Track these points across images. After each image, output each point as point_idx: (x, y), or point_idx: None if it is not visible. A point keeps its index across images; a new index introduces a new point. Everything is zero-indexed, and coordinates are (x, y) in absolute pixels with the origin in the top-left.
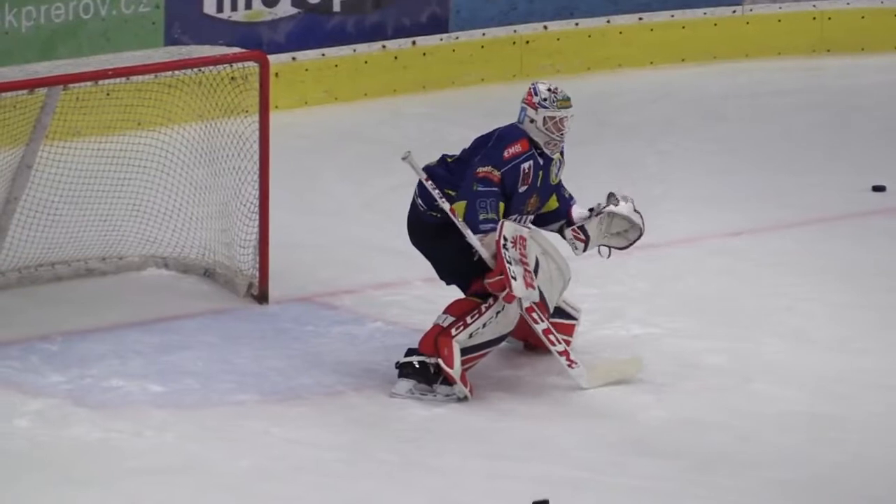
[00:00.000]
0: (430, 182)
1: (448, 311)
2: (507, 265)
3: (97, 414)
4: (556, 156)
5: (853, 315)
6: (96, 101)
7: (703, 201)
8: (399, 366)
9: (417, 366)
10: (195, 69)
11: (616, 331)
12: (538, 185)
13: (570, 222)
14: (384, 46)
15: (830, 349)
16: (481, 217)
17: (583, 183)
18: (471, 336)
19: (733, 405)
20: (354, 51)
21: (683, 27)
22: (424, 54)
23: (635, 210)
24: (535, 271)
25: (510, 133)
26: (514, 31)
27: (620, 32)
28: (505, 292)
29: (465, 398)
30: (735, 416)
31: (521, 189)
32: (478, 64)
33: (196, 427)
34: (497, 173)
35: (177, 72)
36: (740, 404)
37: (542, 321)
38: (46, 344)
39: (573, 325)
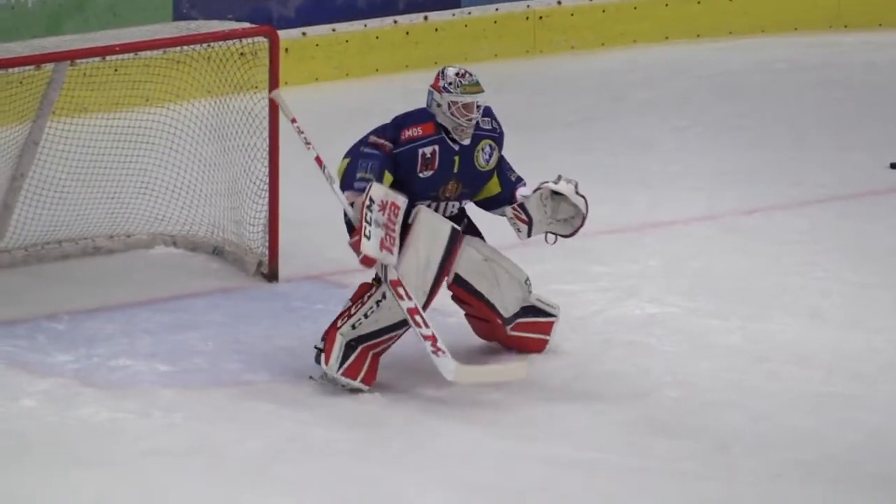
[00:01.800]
0: (296, 124)
1: (352, 296)
2: (365, 225)
3: (105, 394)
4: (485, 143)
5: (869, 294)
6: (104, 77)
7: (718, 178)
8: (316, 349)
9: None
10: (204, 45)
11: (631, 309)
12: (455, 171)
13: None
14: (396, 22)
15: (846, 328)
16: (358, 175)
17: (599, 158)
18: (354, 327)
19: (748, 385)
20: (365, 26)
21: (699, 2)
22: (437, 30)
23: (578, 193)
24: (446, 257)
25: (414, 115)
26: (528, 6)
27: (635, 8)
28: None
29: (359, 390)
30: (750, 396)
31: (424, 174)
32: (491, 39)
33: (205, 407)
34: (389, 145)
35: (185, 47)
36: (755, 384)
37: (408, 299)
38: (53, 323)
39: (551, 323)
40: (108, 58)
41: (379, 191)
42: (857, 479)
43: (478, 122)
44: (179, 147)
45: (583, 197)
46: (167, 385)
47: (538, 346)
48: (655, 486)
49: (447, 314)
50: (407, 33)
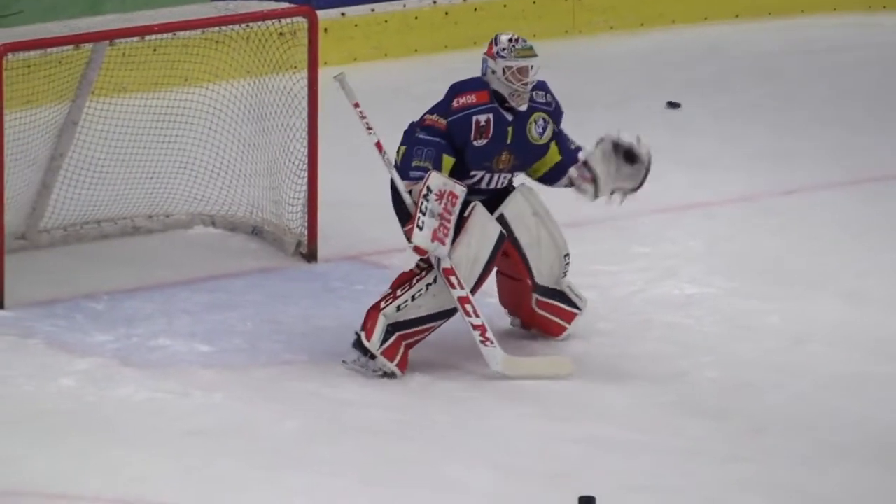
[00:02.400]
0: (359, 109)
1: (392, 283)
2: (420, 214)
3: (144, 374)
4: (538, 115)
5: None
6: (143, 57)
7: (757, 159)
8: (356, 334)
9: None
10: (243, 25)
11: (670, 290)
12: (508, 141)
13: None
14: (435, 2)
15: (885, 309)
16: (413, 164)
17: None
18: (399, 309)
19: (786, 365)
20: (405, 6)
21: None
22: (476, 10)
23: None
24: (511, 235)
25: (467, 84)
26: None
27: None
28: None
29: (393, 374)
30: (788, 377)
31: (478, 142)
32: (530, 20)
33: (244, 387)
34: (443, 121)
35: (224, 27)
36: (793, 365)
37: (461, 287)
38: (92, 303)
39: (575, 314)
40: (147, 38)
41: (437, 180)
42: (895, 461)
43: (531, 95)
44: (218, 127)
45: (643, 146)
46: (206, 365)
47: (557, 331)
48: (695, 467)
49: (488, 294)
50: (446, 13)
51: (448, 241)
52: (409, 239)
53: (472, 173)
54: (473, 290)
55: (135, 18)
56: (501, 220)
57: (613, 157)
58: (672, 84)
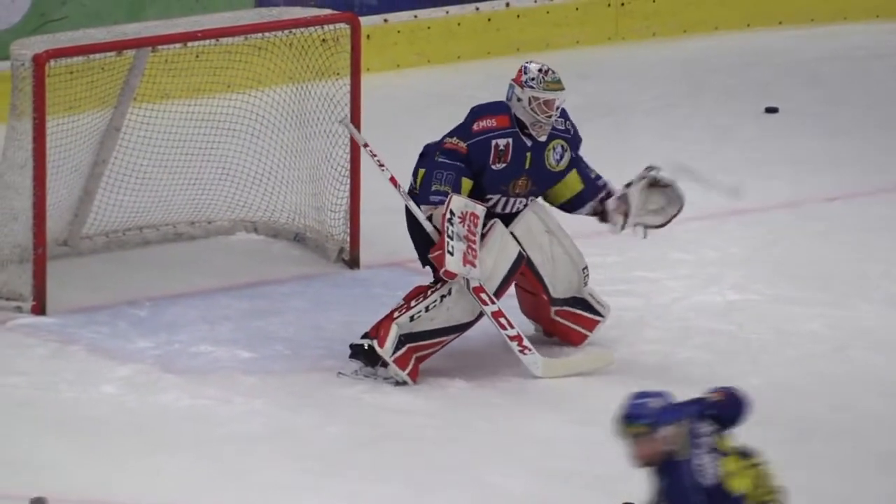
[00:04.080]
0: (368, 148)
1: (406, 295)
2: (448, 239)
3: (186, 380)
4: (557, 142)
5: None
6: (185, 63)
7: (799, 166)
8: (351, 346)
9: (366, 348)
10: (286, 31)
11: (712, 297)
12: (526, 167)
13: (608, 196)
14: (478, 8)
15: None
16: (433, 188)
17: (681, 145)
18: (412, 319)
19: (829, 372)
20: (447, 13)
21: None
22: (518, 16)
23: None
24: (524, 250)
25: (488, 108)
26: None
27: None
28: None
29: (404, 382)
30: (831, 384)
31: (497, 166)
32: (573, 26)
33: (286, 393)
34: (463, 145)
35: (267, 34)
36: (837, 371)
37: (492, 303)
38: (134, 309)
39: (597, 322)
40: (189, 44)
41: (459, 202)
42: None
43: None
44: (261, 133)
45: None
46: (248, 371)
47: (577, 339)
48: None
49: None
50: (489, 20)
51: (479, 262)
52: (438, 264)
53: (488, 197)
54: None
55: (177, 24)
56: (513, 237)
57: (646, 192)
58: (715, 91)
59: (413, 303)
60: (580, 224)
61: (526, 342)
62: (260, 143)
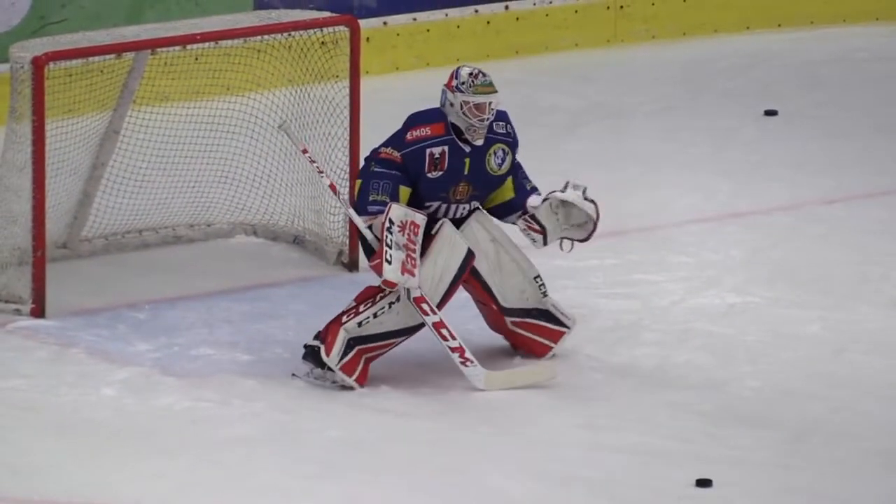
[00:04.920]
0: (307, 154)
1: (357, 296)
2: (386, 248)
3: (185, 383)
4: (497, 146)
5: None
6: (184, 66)
7: (799, 168)
8: (305, 347)
9: (317, 350)
10: (285, 34)
11: (711, 299)
12: (465, 172)
13: (525, 213)
14: (477, 11)
15: None
16: (371, 198)
17: (681, 148)
18: (360, 325)
19: (829, 375)
20: (446, 15)
21: None
22: (518, 19)
23: (587, 198)
24: (462, 259)
25: (423, 116)
26: None
27: None
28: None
29: (351, 388)
30: (831, 386)
31: (433, 174)
32: (572, 29)
33: (285, 396)
34: (397, 155)
35: (266, 36)
36: (836, 374)
37: (433, 314)
38: (134, 312)
39: (562, 333)
40: (188, 47)
41: (398, 211)
42: None
43: (491, 126)
44: (260, 136)
45: (592, 202)
46: (247, 374)
47: (541, 350)
48: (737, 476)
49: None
50: (488, 23)
51: (417, 271)
52: (377, 273)
53: (428, 204)
54: (438, 307)
55: (177, 27)
56: None
57: (562, 209)
58: (714, 94)
59: (362, 308)
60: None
61: (468, 354)
62: (259, 145)
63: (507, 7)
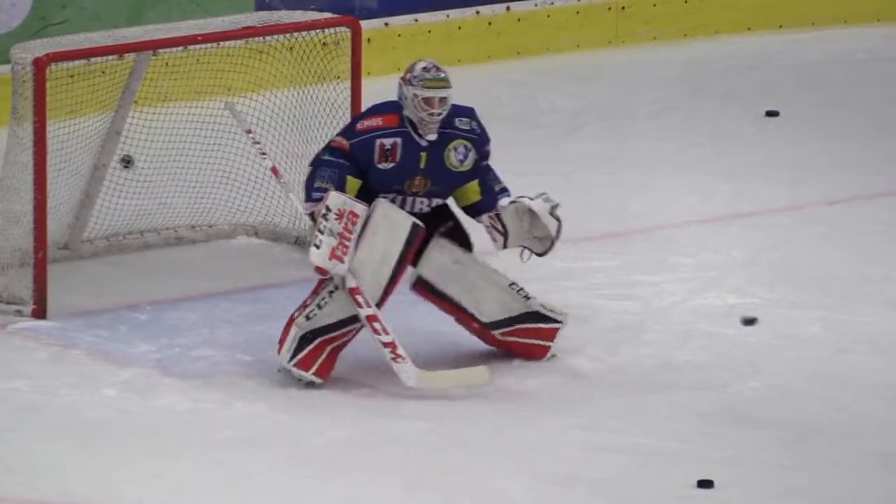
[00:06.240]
0: (251, 135)
1: (312, 291)
2: (317, 234)
3: (186, 384)
4: (459, 142)
5: None
6: (186, 67)
7: (800, 169)
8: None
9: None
10: (286, 35)
11: (712, 300)
12: (421, 167)
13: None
14: (478, 12)
15: None
16: (315, 185)
17: (682, 148)
18: (308, 318)
19: (830, 375)
20: (448, 16)
21: None
22: (519, 20)
23: (555, 215)
24: (401, 258)
25: (377, 107)
26: None
27: None
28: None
29: (312, 384)
30: (831, 387)
31: (383, 166)
32: (573, 30)
33: (286, 397)
34: (346, 143)
35: (268, 37)
36: (836, 374)
37: (367, 306)
38: (135, 313)
39: (555, 329)
40: (190, 48)
41: (337, 199)
42: None
43: (453, 121)
44: (261, 137)
45: (558, 220)
46: (249, 375)
47: (538, 353)
48: (738, 477)
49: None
50: (489, 24)
51: (347, 259)
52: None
53: (383, 196)
54: (388, 291)
55: (178, 28)
56: (422, 281)
57: (528, 217)
58: (715, 95)
59: (309, 300)
60: (581, 226)
61: (400, 350)
62: (261, 146)
63: (508, 8)
